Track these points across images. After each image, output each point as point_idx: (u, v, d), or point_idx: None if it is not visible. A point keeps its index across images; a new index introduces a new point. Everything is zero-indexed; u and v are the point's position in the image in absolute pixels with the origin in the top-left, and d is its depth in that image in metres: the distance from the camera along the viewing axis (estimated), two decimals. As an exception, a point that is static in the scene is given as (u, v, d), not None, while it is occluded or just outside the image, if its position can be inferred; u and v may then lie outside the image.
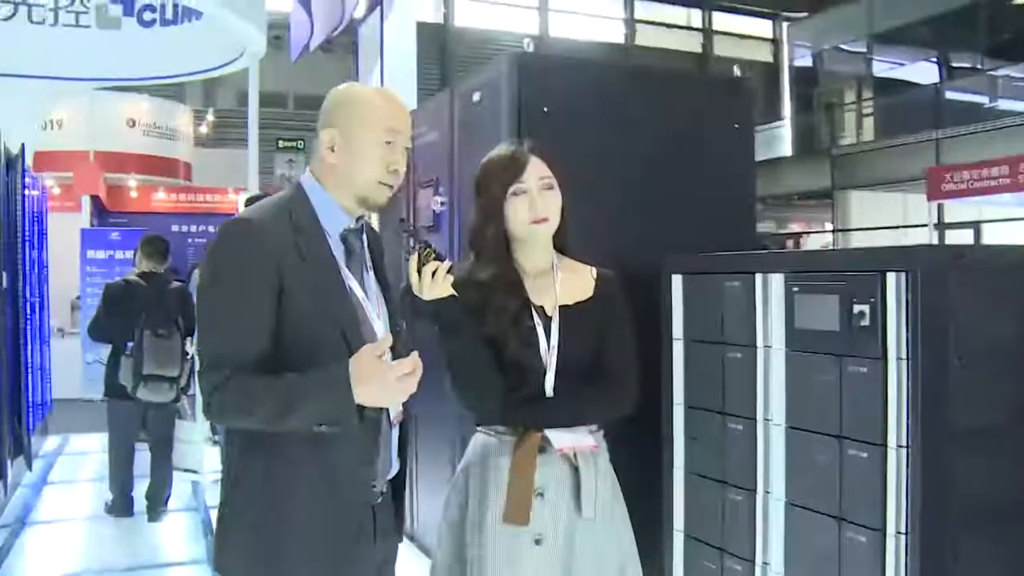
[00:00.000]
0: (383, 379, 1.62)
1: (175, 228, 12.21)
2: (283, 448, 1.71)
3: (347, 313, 1.77)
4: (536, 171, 2.05)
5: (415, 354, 1.66)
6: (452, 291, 1.90)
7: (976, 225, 13.90)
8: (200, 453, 5.82)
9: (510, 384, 2.01)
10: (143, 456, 5.26)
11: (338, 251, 1.82)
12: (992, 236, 13.43)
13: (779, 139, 19.95)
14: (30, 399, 6.34)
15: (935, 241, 13.77)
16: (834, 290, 2.21)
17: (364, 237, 1.91)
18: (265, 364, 1.68)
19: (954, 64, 17.17)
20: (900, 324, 2.06)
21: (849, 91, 19.64)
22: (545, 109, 3.04)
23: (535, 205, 2.02)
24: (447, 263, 1.87)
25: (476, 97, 3.35)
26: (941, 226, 14.12)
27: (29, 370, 6.40)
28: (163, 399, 4.93)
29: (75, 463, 6.86)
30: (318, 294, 1.74)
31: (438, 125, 3.81)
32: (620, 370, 2.06)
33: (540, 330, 2.04)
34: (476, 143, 3.19)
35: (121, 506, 5.21)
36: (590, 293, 2.12)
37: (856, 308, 2.14)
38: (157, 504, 5.15)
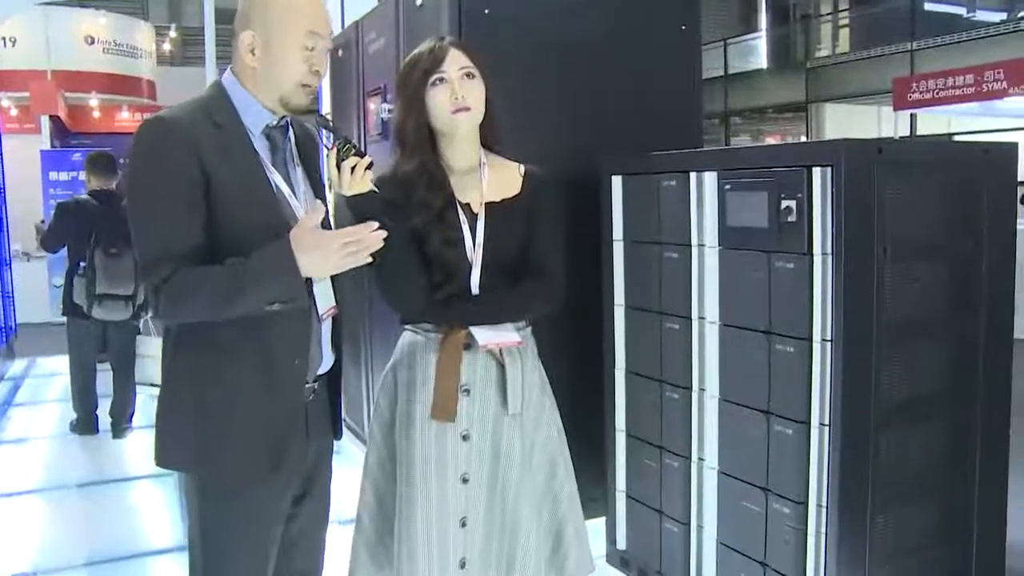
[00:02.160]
0: (326, 246, 1.64)
1: (144, 118, 11.95)
2: (217, 341, 1.73)
3: (272, 208, 1.77)
4: (456, 60, 2.01)
5: (369, 223, 1.67)
6: (372, 187, 1.88)
7: (948, 137, 13.91)
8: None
9: (435, 281, 2.00)
10: (107, 375, 5.27)
11: (262, 148, 1.81)
12: (963, 147, 13.44)
13: (755, 51, 19.71)
14: (-7, 322, 6.32)
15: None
16: (763, 187, 2.21)
17: (291, 133, 1.89)
18: (203, 258, 1.68)
19: (932, -27, 16.93)
20: (825, 219, 2.07)
21: (825, 2, 19.36)
22: (486, 11, 2.98)
23: (455, 92, 1.99)
24: (367, 159, 1.84)
25: (419, 1, 3.28)
26: (912, 138, 14.13)
27: (-11, 293, 6.36)
28: (119, 317, 4.92)
29: (41, 384, 6.87)
30: (241, 190, 1.73)
31: (385, 31, 3.73)
32: (546, 267, 2.05)
33: (465, 227, 2.02)
34: (420, 47, 3.13)
35: (85, 424, 5.24)
36: (518, 190, 2.10)
37: (783, 204, 2.15)
38: (121, 421, 5.18)
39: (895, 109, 10.83)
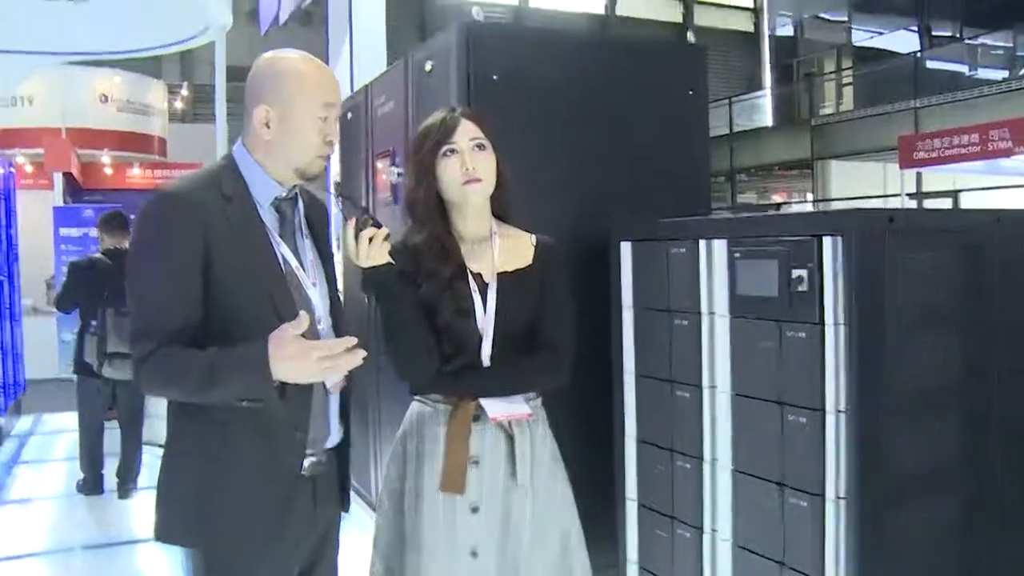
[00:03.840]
0: (303, 358, 1.60)
1: (153, 191, 12.07)
2: (216, 414, 1.71)
3: (276, 282, 1.77)
4: (467, 132, 2.03)
5: (348, 338, 1.63)
6: (389, 258, 1.89)
7: (954, 194, 13.95)
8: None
9: (445, 352, 2.00)
10: (114, 433, 5.24)
11: (270, 220, 1.81)
12: (970, 204, 13.48)
13: (759, 109, 19.94)
14: (1, 380, 6.31)
15: (912, 210, 13.83)
16: (773, 255, 2.20)
17: (300, 205, 1.90)
18: (195, 335, 1.67)
19: (934, 33, 17.17)
20: (836, 289, 2.06)
21: (829, 60, 19.63)
22: (494, 77, 3.01)
23: (466, 164, 2.00)
24: (384, 230, 1.86)
25: (428, 67, 3.32)
26: (919, 195, 14.18)
27: (-1, 351, 6.37)
28: (129, 376, 4.90)
29: (48, 442, 6.85)
30: (245, 263, 1.73)
31: (395, 95, 3.78)
32: (556, 340, 2.06)
33: (476, 297, 2.02)
34: (429, 112, 3.16)
35: (92, 484, 5.22)
36: (529, 261, 2.10)
37: (794, 273, 2.14)
38: (127, 481, 5.15)
39: (901, 168, 10.91)
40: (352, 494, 2.01)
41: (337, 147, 4.65)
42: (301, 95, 1.78)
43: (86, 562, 4.22)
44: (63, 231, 10.23)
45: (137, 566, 4.06)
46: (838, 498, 2.08)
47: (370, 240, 1.84)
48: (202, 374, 1.63)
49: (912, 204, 14.00)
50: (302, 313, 1.61)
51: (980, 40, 16.16)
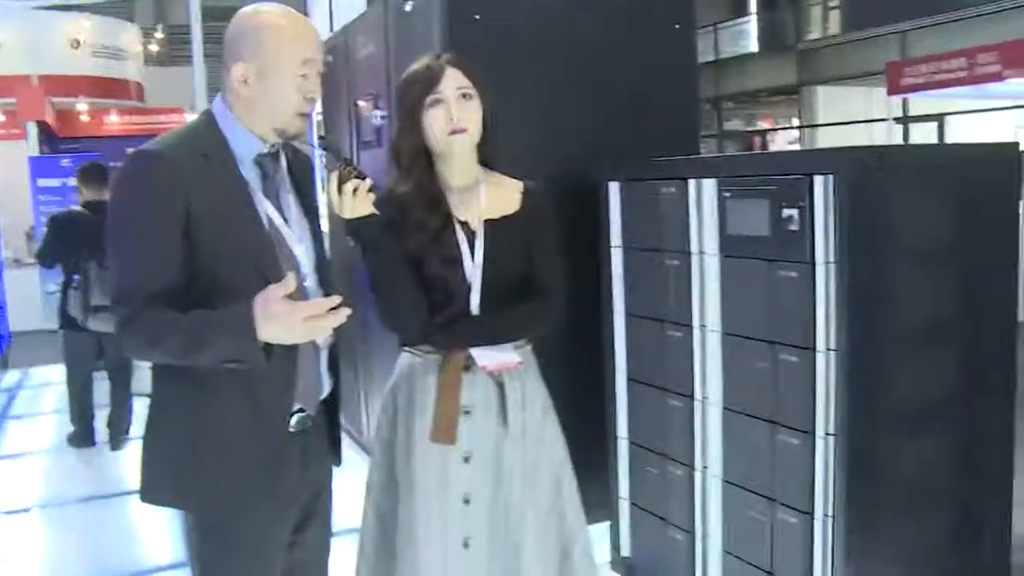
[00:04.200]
0: (289, 320, 1.56)
1: (130, 151, 11.90)
2: (202, 375, 1.68)
3: (259, 240, 1.73)
4: (453, 81, 1.98)
5: (333, 297, 1.60)
6: (373, 209, 1.85)
7: (940, 118, 13.86)
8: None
9: (435, 302, 1.98)
10: (103, 385, 5.23)
11: (252, 176, 1.76)
12: (955, 128, 13.41)
13: (745, 35, 19.65)
14: (-16, 333, 6.28)
15: (898, 137, 13.77)
16: (763, 194, 2.18)
17: (283, 160, 1.85)
18: (178, 296, 1.64)
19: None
20: (827, 227, 2.04)
21: (815, -17, 19.29)
22: (476, 16, 2.94)
23: (451, 114, 1.96)
24: (368, 181, 1.82)
25: (408, 7, 3.24)
26: (905, 120, 14.09)
27: (-19, 304, 6.31)
28: (113, 329, 4.88)
29: (36, 395, 6.83)
30: (227, 222, 1.69)
31: (375, 37, 3.70)
32: (547, 286, 2.03)
33: (464, 246, 1.99)
34: (410, 54, 3.07)
35: (82, 437, 5.21)
36: (517, 207, 2.07)
37: (785, 212, 2.12)
38: (118, 432, 5.15)
39: (889, 94, 10.80)
40: (345, 438, 2.01)
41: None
42: (279, 51, 1.72)
43: (81, 514, 4.22)
44: (41, 182, 10.04)
45: (132, 518, 4.08)
46: (827, 435, 2.09)
47: (354, 191, 1.80)
48: (186, 337, 1.60)
49: (898, 129, 13.93)
50: (289, 274, 1.58)
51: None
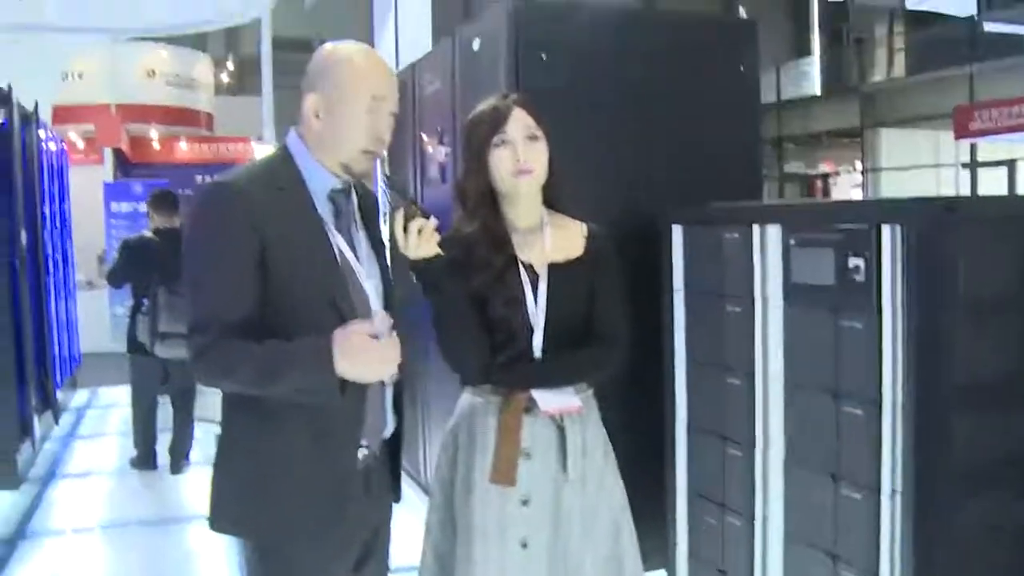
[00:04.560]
0: (367, 358, 1.60)
1: (198, 179, 12.24)
2: (271, 407, 1.71)
3: (333, 274, 1.76)
4: (520, 122, 2.00)
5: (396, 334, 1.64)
6: (438, 249, 1.87)
7: (1011, 163, 13.56)
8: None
9: (497, 343, 1.99)
10: (167, 410, 5.34)
11: (325, 211, 1.80)
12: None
13: (807, 76, 19.52)
14: (56, 353, 6.45)
15: (966, 181, 13.50)
16: (829, 243, 2.16)
17: (354, 196, 1.89)
18: (253, 327, 1.67)
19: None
20: (895, 278, 2.01)
21: (880, 25, 19.11)
22: (543, 56, 2.97)
23: (518, 155, 1.98)
24: (432, 221, 1.84)
25: (475, 45, 3.29)
26: (973, 165, 13.82)
27: (55, 325, 6.49)
28: (180, 355, 4.96)
29: (103, 416, 6.99)
30: (302, 254, 1.72)
31: (442, 74, 3.76)
32: (609, 331, 2.03)
33: (527, 288, 2.00)
34: (476, 92, 3.13)
35: (144, 460, 5.31)
36: (581, 251, 2.07)
37: (851, 262, 2.10)
38: (179, 457, 5.24)
39: (956, 138, 10.63)
40: (404, 477, 2.02)
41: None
42: (348, 85, 1.76)
43: (141, 537, 4.30)
44: (114, 206, 10.39)
45: (192, 544, 4.14)
46: (893, 492, 2.05)
47: (419, 231, 1.83)
48: (261, 367, 1.63)
49: (965, 174, 13.65)
50: (381, 312, 1.61)
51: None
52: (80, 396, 7.59)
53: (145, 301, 4.96)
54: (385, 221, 2.06)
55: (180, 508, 4.69)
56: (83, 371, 8.06)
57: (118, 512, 4.66)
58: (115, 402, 7.08)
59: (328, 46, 1.84)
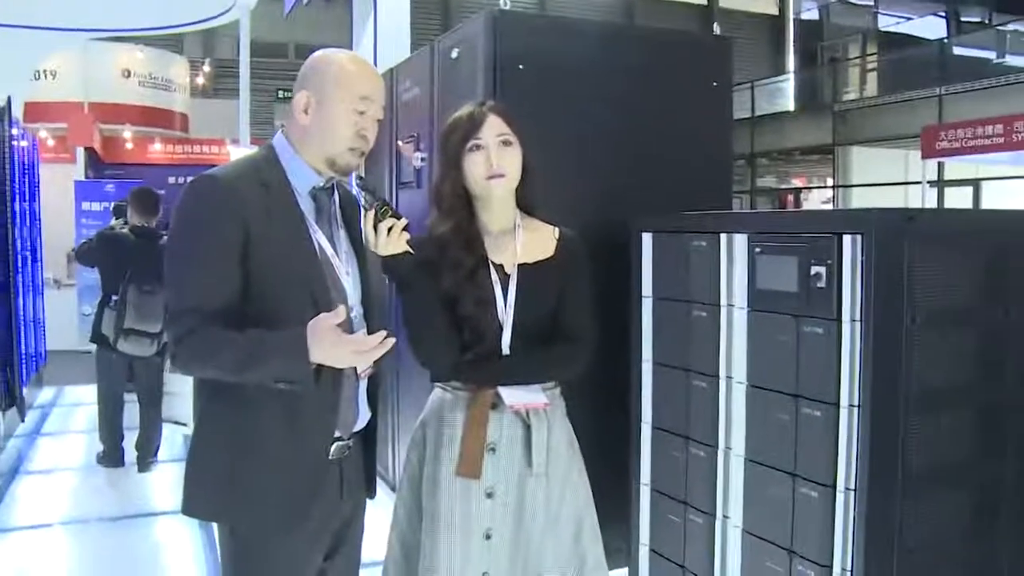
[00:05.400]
0: (338, 346, 1.67)
1: (171, 180, 12.19)
2: (247, 395, 1.76)
3: (313, 268, 1.82)
4: (494, 127, 2.07)
5: (379, 333, 1.69)
6: (407, 247, 1.93)
7: (976, 183, 13.84)
8: (189, 405, 5.82)
9: (467, 341, 2.04)
10: (134, 407, 5.33)
11: (307, 208, 1.86)
12: (991, 194, 13.38)
13: (782, 93, 19.79)
14: (23, 351, 6.40)
15: (933, 199, 13.75)
16: (793, 251, 2.23)
17: (336, 195, 1.94)
18: (232, 317, 1.72)
19: (963, 18, 16.97)
20: (854, 286, 2.08)
21: (854, 45, 19.44)
22: (520, 67, 3.03)
23: (491, 160, 2.04)
24: (402, 220, 1.90)
25: (454, 54, 3.34)
26: (940, 183, 14.08)
27: (22, 322, 6.45)
28: (143, 353, 4.97)
29: (69, 414, 6.94)
30: (283, 249, 1.78)
31: (420, 81, 3.81)
32: (577, 331, 2.10)
33: (497, 288, 2.06)
34: (454, 99, 3.19)
35: (111, 457, 5.28)
36: (551, 252, 2.14)
37: (813, 269, 2.16)
38: (147, 455, 5.22)
39: (923, 158, 10.85)
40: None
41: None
42: (339, 83, 1.84)
43: (105, 533, 4.28)
44: (85, 205, 10.31)
45: (156, 539, 4.14)
46: (847, 490, 2.12)
47: (389, 230, 1.88)
48: (241, 354, 1.69)
49: (933, 192, 13.91)
50: (340, 307, 1.67)
51: (1011, 27, 15.95)
52: (46, 393, 7.53)
53: (114, 297, 4.95)
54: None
55: (145, 504, 4.68)
56: (50, 369, 8.00)
57: (82, 508, 4.63)
58: (81, 400, 7.03)
59: (322, 51, 1.93)
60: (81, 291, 9.49)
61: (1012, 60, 15.50)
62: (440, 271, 2.03)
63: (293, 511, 1.79)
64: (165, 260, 1.83)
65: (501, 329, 2.04)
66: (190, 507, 1.87)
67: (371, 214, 1.89)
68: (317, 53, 1.92)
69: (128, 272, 4.90)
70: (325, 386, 1.76)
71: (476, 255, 2.06)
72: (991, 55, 15.73)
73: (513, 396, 2.02)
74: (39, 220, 7.84)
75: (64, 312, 9.37)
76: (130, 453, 5.27)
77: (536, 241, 2.13)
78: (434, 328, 2.01)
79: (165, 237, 5.25)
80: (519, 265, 2.08)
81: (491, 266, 2.07)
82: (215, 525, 1.92)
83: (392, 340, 1.68)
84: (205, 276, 1.74)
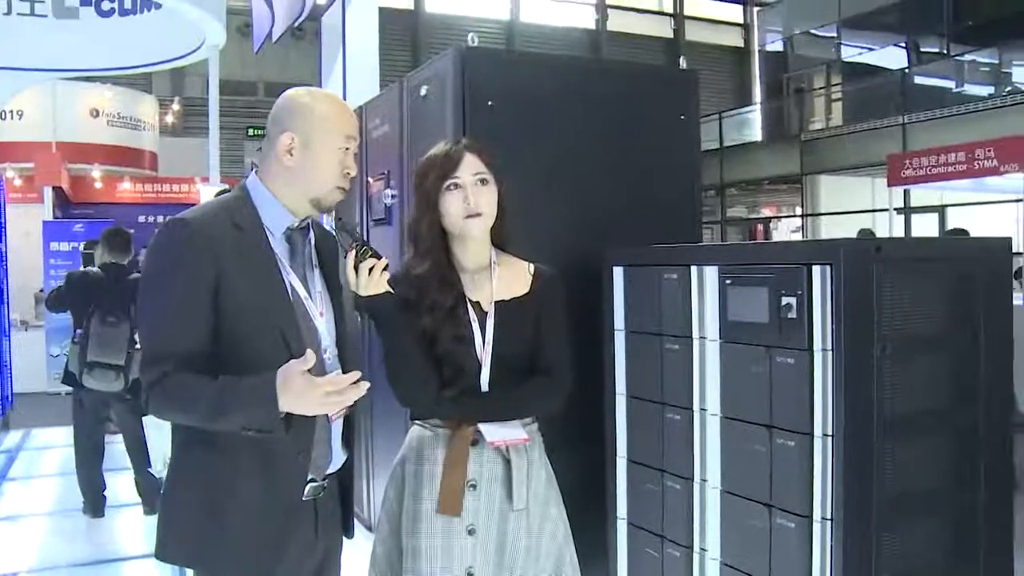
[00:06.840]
0: (308, 395, 1.65)
1: (141, 219, 12.15)
2: (221, 440, 1.75)
3: (284, 311, 1.81)
4: (470, 166, 2.08)
5: (353, 373, 1.68)
6: (388, 287, 1.93)
7: (941, 209, 14.07)
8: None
9: (446, 379, 2.04)
10: (112, 448, 5.18)
11: (281, 250, 1.85)
12: (957, 219, 13.60)
13: (749, 124, 20.07)
14: (-11, 393, 6.30)
15: (900, 226, 13.96)
16: (763, 282, 2.25)
17: (311, 236, 1.94)
18: (205, 360, 1.72)
19: (922, 49, 17.34)
20: (825, 316, 2.10)
21: (819, 76, 19.77)
22: (490, 103, 3.05)
23: (468, 199, 2.05)
24: (383, 261, 1.90)
25: (423, 91, 3.36)
26: (907, 210, 14.30)
27: (-12, 364, 6.36)
28: (110, 388, 4.79)
29: (36, 458, 6.82)
30: (255, 291, 1.77)
31: (389, 118, 3.82)
32: (554, 367, 2.10)
33: (475, 325, 2.07)
34: (424, 136, 3.20)
35: (93, 506, 5.04)
36: (527, 289, 2.14)
37: (784, 300, 2.18)
38: (151, 498, 4.87)
39: (889, 185, 11.03)
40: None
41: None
42: (326, 124, 1.85)
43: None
44: (53, 245, 10.22)
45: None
46: (824, 519, 2.12)
47: (369, 271, 1.88)
48: (211, 403, 1.67)
49: (900, 219, 14.12)
50: (309, 351, 1.65)
51: (968, 57, 16.33)
52: (12, 437, 7.39)
53: (79, 331, 4.87)
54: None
55: (117, 549, 4.59)
56: (17, 412, 7.87)
57: (51, 555, 4.53)
58: (50, 443, 6.91)
59: (298, 89, 1.94)
60: (49, 333, 9.38)
61: (970, 89, 15.85)
62: (418, 310, 2.03)
63: (268, 555, 1.77)
64: (138, 304, 1.83)
65: (480, 366, 2.04)
66: (164, 552, 1.84)
67: (352, 255, 1.89)
68: (291, 92, 1.92)
69: (92, 306, 4.82)
70: (298, 431, 1.74)
71: (454, 294, 2.07)
72: (951, 84, 16.07)
73: (493, 432, 2.01)
74: (6, 261, 7.75)
75: (32, 354, 9.25)
76: (117, 498, 5.09)
77: (511, 277, 2.14)
78: (414, 366, 2.01)
79: (136, 275, 5.25)
80: (496, 302, 2.09)
81: (468, 304, 2.08)
82: (190, 572, 1.89)
83: (366, 385, 1.67)
84: (178, 320, 1.73)
